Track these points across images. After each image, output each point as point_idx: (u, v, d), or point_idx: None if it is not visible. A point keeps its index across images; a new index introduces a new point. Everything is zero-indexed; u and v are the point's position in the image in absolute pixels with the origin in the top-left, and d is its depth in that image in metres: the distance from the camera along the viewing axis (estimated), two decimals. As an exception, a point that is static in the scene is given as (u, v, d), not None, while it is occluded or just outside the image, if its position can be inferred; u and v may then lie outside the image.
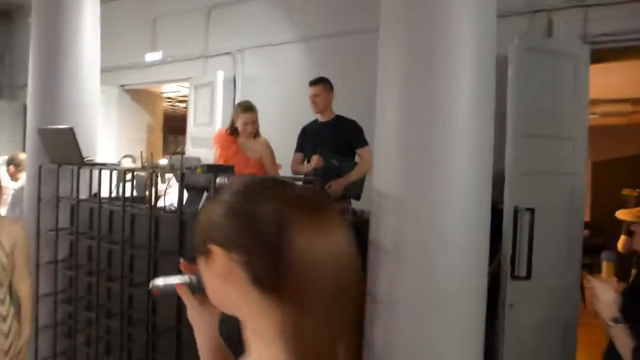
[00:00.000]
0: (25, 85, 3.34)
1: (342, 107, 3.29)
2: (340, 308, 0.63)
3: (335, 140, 3.11)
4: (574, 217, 2.98)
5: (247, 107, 3.22)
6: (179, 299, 0.80)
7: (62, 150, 2.90)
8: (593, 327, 3.21)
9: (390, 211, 1.91)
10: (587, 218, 7.46)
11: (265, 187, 0.69)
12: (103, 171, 2.82)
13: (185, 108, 5.47)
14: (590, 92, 3.01)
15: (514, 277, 2.72)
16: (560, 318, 2.88)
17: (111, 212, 2.73)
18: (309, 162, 3.18)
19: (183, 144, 4.96)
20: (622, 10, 3.09)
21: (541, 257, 2.73)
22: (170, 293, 0.80)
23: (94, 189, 2.92)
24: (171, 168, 2.48)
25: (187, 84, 5.14)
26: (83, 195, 2.91)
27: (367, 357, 2.00)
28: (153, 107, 6.24)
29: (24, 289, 2.32)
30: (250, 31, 4.70)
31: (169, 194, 2.94)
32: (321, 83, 3.19)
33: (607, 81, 4.78)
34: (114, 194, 2.78)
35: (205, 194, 2.40)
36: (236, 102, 4.07)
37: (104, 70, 3.70)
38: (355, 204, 3.06)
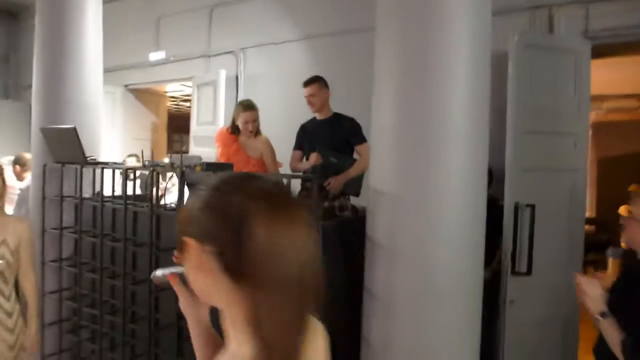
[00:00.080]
0: (30, 86, 3.38)
1: (345, 105, 3.27)
2: (300, 298, 0.65)
3: (333, 138, 3.10)
4: (575, 214, 2.97)
5: (247, 106, 3.23)
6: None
7: (65, 149, 2.93)
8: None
9: (386, 208, 1.93)
10: (593, 214, 7.44)
11: (235, 181, 0.72)
12: (106, 170, 2.86)
13: (189, 107, 5.50)
14: (594, 87, 3.00)
15: (515, 273, 2.73)
16: (561, 315, 2.88)
17: (114, 211, 2.76)
18: (307, 159, 3.18)
19: (188, 142, 5.00)
20: (623, 5, 3.07)
21: (542, 254, 2.73)
22: (169, 283, 0.85)
23: (97, 188, 2.95)
24: (171, 166, 2.50)
25: (190, 83, 5.18)
26: (86, 194, 2.93)
27: (364, 352, 2.02)
28: (157, 106, 6.28)
29: (30, 286, 2.36)
30: (252, 30, 4.72)
31: (171, 192, 2.97)
32: (316, 82, 3.15)
33: (612, 77, 4.75)
34: (117, 193, 2.80)
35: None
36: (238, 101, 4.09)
37: (108, 70, 3.73)
38: (355, 201, 3.07)
